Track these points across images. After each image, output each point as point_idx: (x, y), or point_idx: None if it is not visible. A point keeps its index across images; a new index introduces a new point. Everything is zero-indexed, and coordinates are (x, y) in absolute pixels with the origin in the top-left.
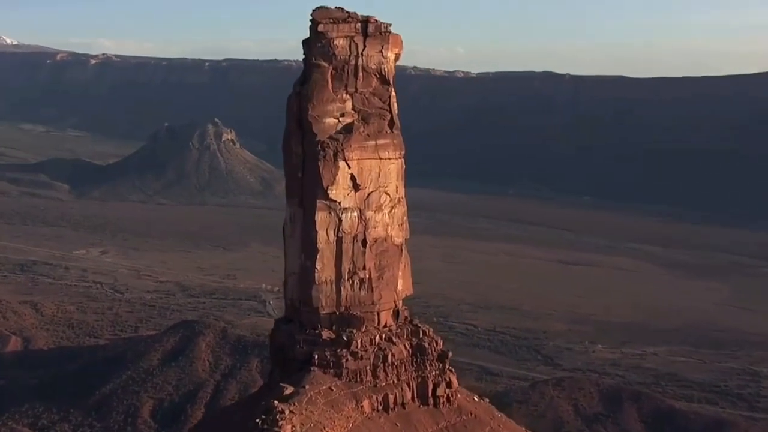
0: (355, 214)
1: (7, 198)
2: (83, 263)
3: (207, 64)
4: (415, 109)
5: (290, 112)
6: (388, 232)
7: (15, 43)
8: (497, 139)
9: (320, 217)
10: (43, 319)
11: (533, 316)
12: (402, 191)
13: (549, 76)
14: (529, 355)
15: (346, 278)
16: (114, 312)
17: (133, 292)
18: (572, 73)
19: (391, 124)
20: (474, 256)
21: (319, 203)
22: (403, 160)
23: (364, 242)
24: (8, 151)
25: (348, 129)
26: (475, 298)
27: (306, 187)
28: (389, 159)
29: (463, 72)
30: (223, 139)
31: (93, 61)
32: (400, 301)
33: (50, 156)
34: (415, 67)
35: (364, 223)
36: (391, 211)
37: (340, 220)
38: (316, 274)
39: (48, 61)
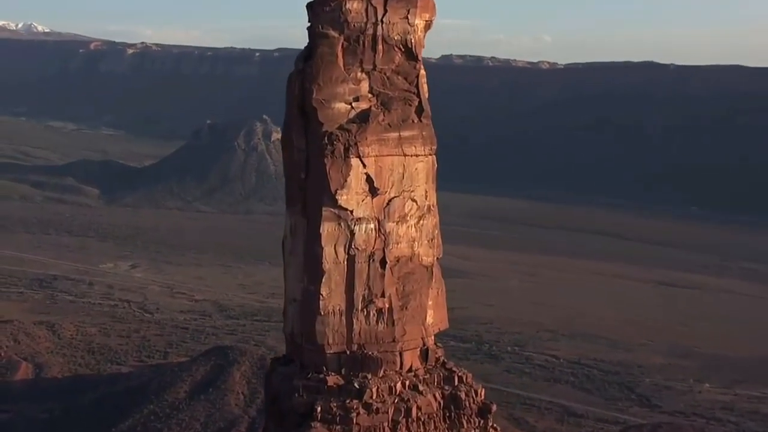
0: (372, 225)
1: (30, 204)
2: (109, 279)
3: (257, 54)
4: (493, 105)
5: (290, 95)
6: (415, 249)
7: (47, 30)
8: (585, 139)
9: (327, 229)
10: (60, 343)
11: (626, 347)
12: (433, 197)
13: (649, 67)
14: (621, 393)
15: (360, 308)
16: (141, 335)
17: (164, 313)
18: (677, 63)
19: (419, 110)
20: (556, 274)
21: (326, 212)
22: (434, 157)
23: (383, 262)
24: (34, 151)
25: (363, 117)
26: (556, 324)
27: (310, 191)
28: (416, 156)
29: (548, 63)
30: (272, 139)
31: (130, 51)
32: (431, 338)
33: (80, 157)
34: (493, 57)
35: (383, 238)
36: (418, 222)
37: (353, 234)
38: (321, 303)
39: (81, 51)
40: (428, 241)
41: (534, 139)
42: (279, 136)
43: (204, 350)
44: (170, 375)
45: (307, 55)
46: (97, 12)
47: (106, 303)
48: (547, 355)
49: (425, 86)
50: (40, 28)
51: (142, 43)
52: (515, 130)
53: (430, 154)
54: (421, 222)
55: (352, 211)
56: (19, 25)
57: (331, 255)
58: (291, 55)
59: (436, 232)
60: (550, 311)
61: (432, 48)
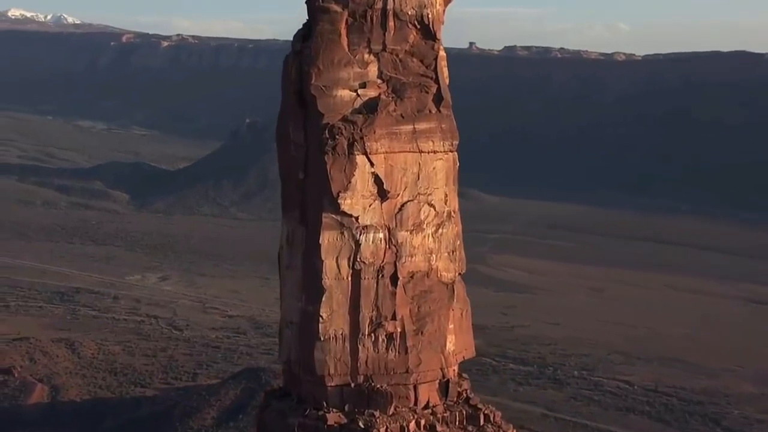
0: (381, 235)
1: (53, 210)
2: (137, 292)
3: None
4: (561, 101)
5: (286, 81)
6: (432, 263)
7: (77, 22)
8: (667, 140)
9: (327, 239)
10: (80, 363)
11: (710, 373)
12: (455, 202)
13: (739, 57)
14: (704, 426)
15: (367, 332)
16: (168, 354)
17: (195, 329)
18: None
19: (438, 99)
20: (631, 290)
21: (326, 218)
22: (455, 154)
23: (394, 278)
24: (60, 152)
25: (371, 106)
26: (630, 347)
27: (309, 194)
28: (434, 152)
29: (624, 54)
30: None
31: (165, 44)
32: (452, 369)
33: (109, 159)
34: (561, 48)
35: (394, 250)
36: (436, 231)
37: (358, 245)
38: (320, 326)
39: (112, 44)
40: (449, 253)
41: (607, 139)
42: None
43: (235, 372)
44: (197, 399)
45: (306, 33)
46: (130, 2)
47: (132, 319)
48: (619, 381)
49: (445, 70)
50: (70, 20)
51: (178, 35)
52: (586, 128)
53: (451, 151)
54: (440, 231)
55: (357, 218)
56: (48, 17)
57: (333, 269)
58: None
59: (458, 242)
60: (622, 331)
61: (494, 39)
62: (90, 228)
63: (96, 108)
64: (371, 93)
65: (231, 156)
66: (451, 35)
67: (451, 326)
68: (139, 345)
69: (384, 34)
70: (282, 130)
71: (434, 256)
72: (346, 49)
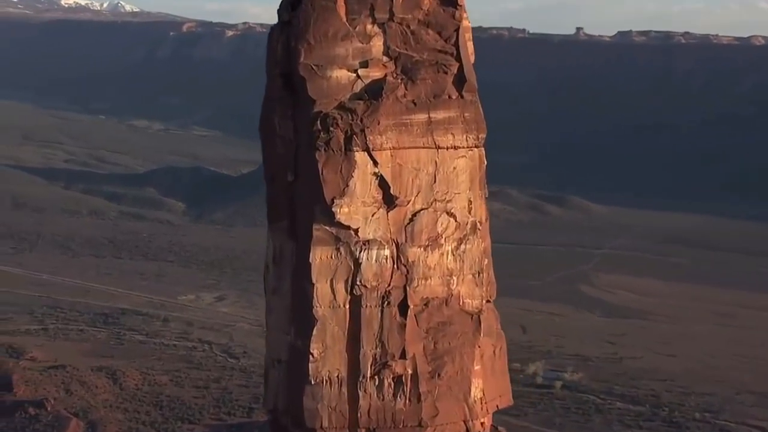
0: (387, 252)
1: (101, 221)
2: (189, 314)
3: None
4: (685, 94)
5: (271, 60)
6: (453, 287)
7: (135, 10)
8: None
9: (320, 256)
10: (122, 395)
11: None
12: (481, 210)
13: None
14: None
15: (369, 374)
16: (222, 386)
17: (253, 358)
18: None
19: (460, 81)
20: (765, 317)
21: (318, 231)
22: (482, 150)
23: (403, 306)
24: (111, 156)
25: (375, 90)
26: (763, 384)
27: (299, 201)
28: (454, 148)
29: (763, 37)
30: None
31: (230, 33)
32: (479, 421)
33: (165, 163)
34: (686, 33)
35: (404, 271)
36: (458, 247)
37: (358, 264)
38: (311, 366)
39: (171, 34)
40: (473, 275)
41: (738, 138)
42: None
43: None
44: None
45: (295, 1)
46: None
47: (183, 344)
48: (751, 427)
49: (470, 44)
50: (127, 8)
51: (245, 23)
52: (713, 126)
53: (476, 146)
54: (463, 247)
55: (356, 230)
56: (105, 5)
57: (326, 295)
58: None
59: (486, 261)
60: (754, 366)
61: (606, 23)
62: (140, 241)
63: (152, 106)
64: (375, 74)
65: None
66: (555, 19)
67: (477, 367)
68: (189, 375)
69: (391, 0)
70: (266, 122)
71: (455, 278)
72: (344, 19)
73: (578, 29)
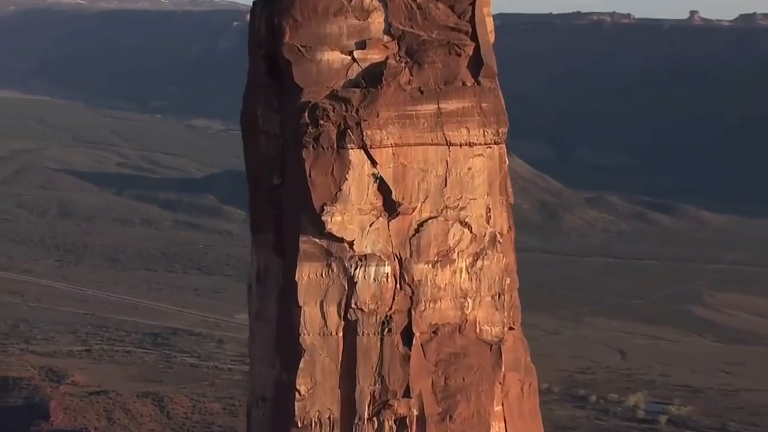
0: (387, 269)
1: (154, 230)
2: (247, 334)
3: None
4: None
5: (253, 40)
6: (468, 311)
7: None
8: None
9: (307, 274)
10: (169, 424)
11: None
12: (502, 219)
13: None
14: None
15: (366, 415)
16: None
17: None
18: None
19: (476, 65)
20: None
21: (306, 244)
22: (503, 147)
23: (408, 334)
24: (167, 159)
25: (374, 76)
26: None
27: (286, 207)
28: (470, 145)
29: None
30: None
31: None
32: None
33: (225, 167)
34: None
35: (408, 291)
36: (474, 264)
37: (353, 283)
38: (298, 405)
39: (235, 24)
40: (493, 297)
41: None
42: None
43: None
44: None
45: None
46: None
47: (238, 368)
48: None
49: (489, 20)
50: None
51: None
52: None
53: (496, 143)
54: (480, 263)
55: (351, 243)
56: None
57: (315, 320)
58: (509, 21)
59: (508, 281)
60: None
61: (725, 5)
62: (195, 253)
63: (213, 104)
64: (374, 56)
65: None
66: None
67: (497, 408)
68: (244, 403)
69: None
70: (248, 114)
71: (470, 301)
72: None
73: (692, 13)
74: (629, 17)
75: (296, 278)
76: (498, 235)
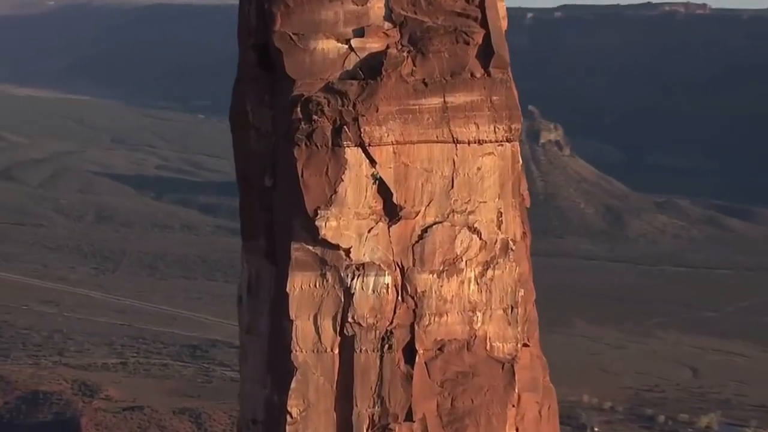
0: (388, 279)
1: (194, 236)
2: None
3: (529, 15)
4: None
5: (243, 28)
6: (477, 326)
7: None
8: None
9: (300, 284)
10: None
11: None
12: (515, 225)
13: None
14: None
15: None
16: None
17: None
18: None
19: (486, 54)
20: None
21: (298, 251)
22: (516, 145)
23: (410, 351)
24: (209, 161)
25: (373, 67)
26: None
27: (277, 211)
28: (479, 142)
29: None
30: (541, 141)
31: None
32: None
33: None
34: None
35: (411, 304)
36: (484, 273)
37: (349, 294)
38: (289, 428)
39: None
40: (505, 310)
41: None
42: (553, 136)
43: None
44: None
45: None
46: None
47: None
48: None
49: (501, 6)
50: None
51: None
52: None
53: (508, 140)
54: (490, 273)
55: (348, 251)
56: None
57: (309, 335)
58: (584, 11)
59: (522, 293)
60: None
61: None
62: (237, 260)
63: None
64: (373, 45)
65: None
66: None
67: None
68: None
69: None
70: (237, 109)
71: (480, 315)
72: None
73: None
74: (704, 7)
75: (287, 289)
76: (511, 242)
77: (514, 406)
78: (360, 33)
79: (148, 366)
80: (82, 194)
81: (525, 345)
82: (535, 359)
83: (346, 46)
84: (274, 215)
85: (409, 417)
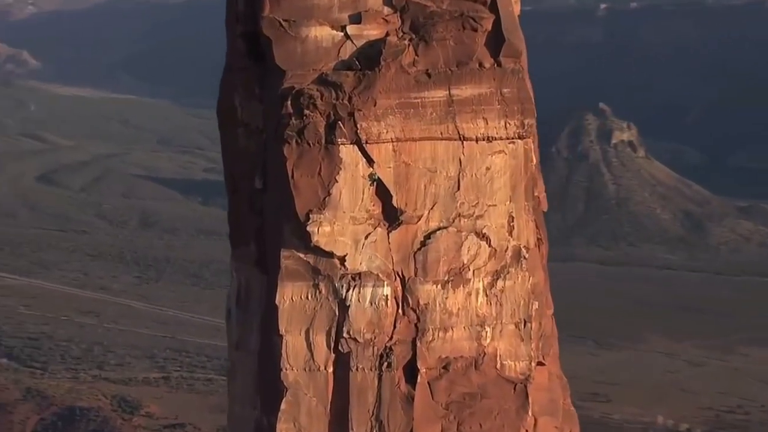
0: (386, 290)
1: (224, 242)
2: None
3: (603, 6)
4: None
5: (231, 14)
6: (485, 342)
7: None
8: None
9: (290, 296)
10: None
11: None
12: (529, 231)
13: None
14: None
15: None
16: None
17: None
18: None
19: (496, 41)
20: None
21: (289, 259)
22: (530, 142)
23: (412, 370)
24: None
25: (371, 56)
26: None
27: (267, 215)
28: (488, 139)
29: None
30: (614, 141)
31: None
32: None
33: None
34: None
35: (412, 317)
36: (494, 284)
37: (345, 307)
38: None
39: None
40: (517, 325)
41: None
42: (626, 136)
43: None
44: None
45: None
46: None
47: None
48: None
49: None
50: None
51: None
52: None
53: (521, 137)
54: (501, 283)
55: (343, 259)
56: None
57: (300, 352)
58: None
59: (536, 305)
60: None
61: None
62: None
63: None
64: (371, 32)
65: None
66: None
67: None
68: None
69: None
70: (225, 103)
71: (489, 330)
72: None
73: None
74: None
75: (276, 301)
76: (523, 250)
77: (527, 431)
78: (357, 19)
79: (191, 381)
80: (125, 199)
81: (540, 363)
82: (554, 379)
83: (342, 34)
84: (264, 220)
85: None
